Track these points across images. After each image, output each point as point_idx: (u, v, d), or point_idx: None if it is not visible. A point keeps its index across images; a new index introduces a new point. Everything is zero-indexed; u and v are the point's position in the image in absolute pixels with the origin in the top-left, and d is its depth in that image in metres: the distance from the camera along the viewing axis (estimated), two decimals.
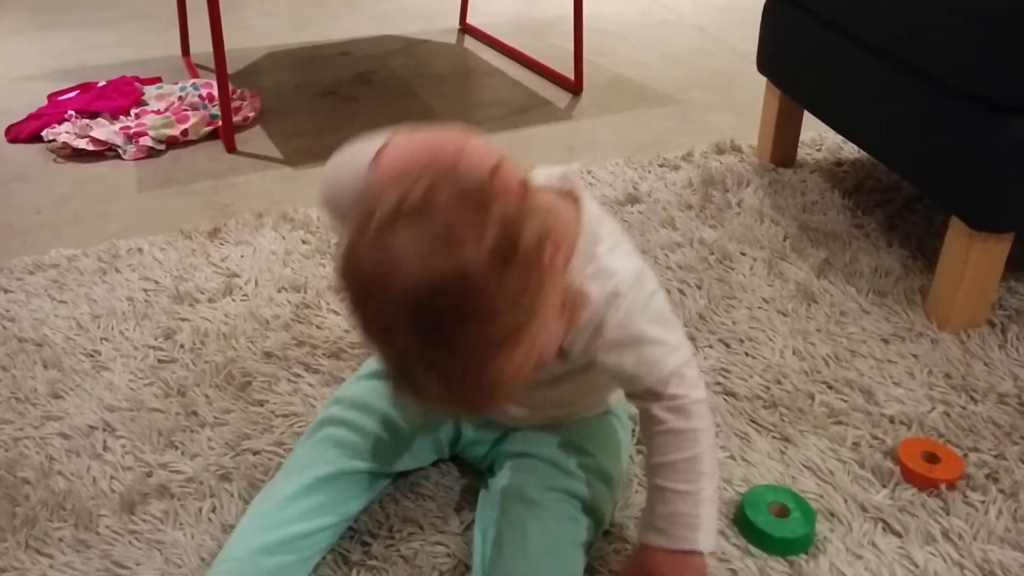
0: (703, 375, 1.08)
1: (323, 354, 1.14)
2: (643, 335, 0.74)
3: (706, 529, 0.75)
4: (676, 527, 0.75)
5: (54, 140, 1.75)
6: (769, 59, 1.60)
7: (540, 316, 0.62)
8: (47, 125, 1.79)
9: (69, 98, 1.91)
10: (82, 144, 1.73)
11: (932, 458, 0.94)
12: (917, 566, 0.84)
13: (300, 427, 1.01)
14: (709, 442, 0.76)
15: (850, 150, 1.71)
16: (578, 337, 0.74)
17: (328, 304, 1.24)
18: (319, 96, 2.06)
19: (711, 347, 1.16)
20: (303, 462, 0.86)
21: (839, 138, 1.71)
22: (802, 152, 1.69)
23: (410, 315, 0.57)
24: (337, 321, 1.21)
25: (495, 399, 0.64)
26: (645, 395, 0.76)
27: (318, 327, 1.20)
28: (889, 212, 1.49)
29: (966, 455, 0.96)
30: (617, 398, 0.93)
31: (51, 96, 1.94)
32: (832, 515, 0.90)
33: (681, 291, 1.27)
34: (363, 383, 0.93)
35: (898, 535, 0.87)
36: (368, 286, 0.59)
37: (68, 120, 1.80)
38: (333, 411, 0.90)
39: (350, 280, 0.61)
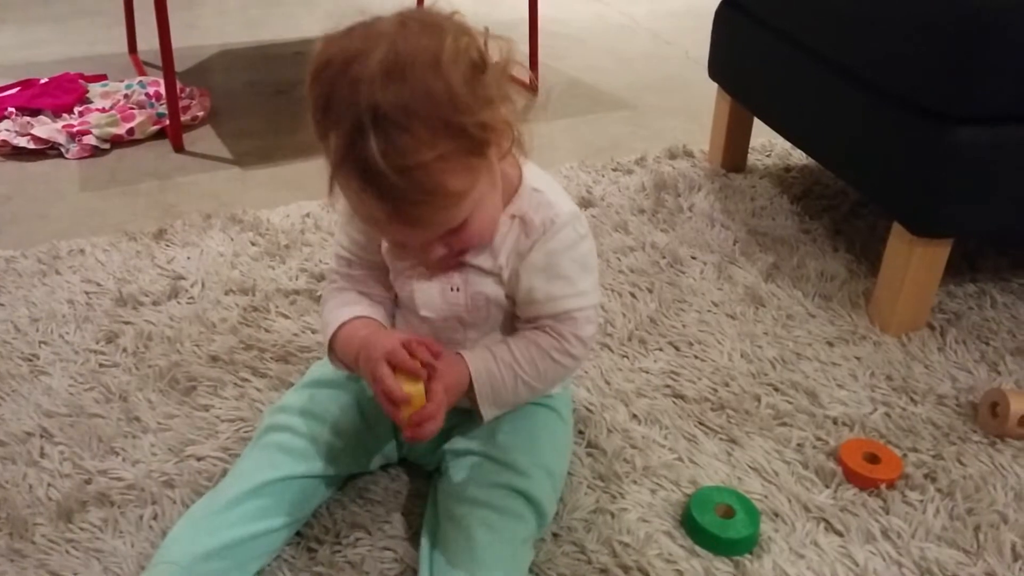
0: (652, 377, 1.10)
1: (271, 358, 1.13)
2: (560, 269, 0.81)
3: (495, 401, 0.83)
4: (497, 383, 0.82)
5: None
6: (720, 65, 1.62)
7: (485, 164, 0.71)
8: None
9: (10, 95, 1.87)
10: (22, 142, 1.69)
11: (873, 458, 0.96)
12: (857, 564, 0.85)
13: (246, 432, 1.00)
14: (559, 371, 0.84)
15: (799, 156, 1.74)
16: (512, 252, 0.80)
17: (277, 307, 1.23)
18: (271, 96, 2.04)
19: (661, 350, 1.17)
20: (248, 468, 0.85)
21: (788, 144, 1.74)
22: (752, 158, 1.72)
23: (382, 71, 0.64)
24: (286, 325, 1.19)
25: (429, 216, 0.69)
26: (536, 323, 0.83)
27: (266, 331, 1.18)
28: (835, 217, 1.51)
29: (905, 455, 0.98)
30: (559, 392, 0.93)
31: None
32: (776, 515, 0.91)
33: (632, 294, 1.28)
34: (307, 391, 0.92)
35: (840, 534, 0.89)
36: (349, 56, 0.66)
37: (8, 117, 1.75)
38: (278, 418, 0.89)
39: (328, 56, 0.68)
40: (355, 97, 0.65)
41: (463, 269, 0.82)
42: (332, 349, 0.86)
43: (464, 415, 0.87)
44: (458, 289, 0.82)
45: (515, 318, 0.86)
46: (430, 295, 0.83)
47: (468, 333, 0.84)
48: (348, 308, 0.86)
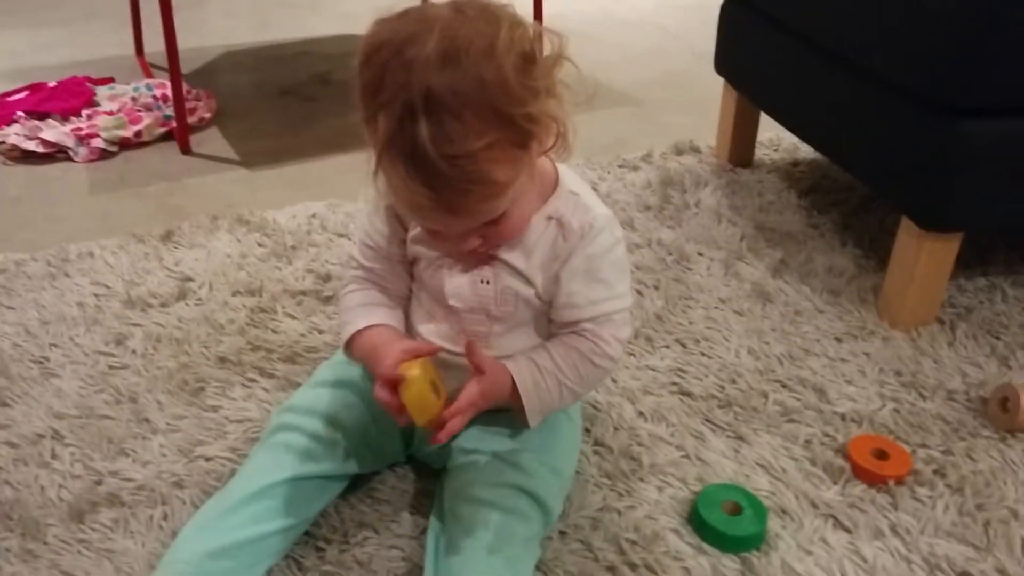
0: (659, 375, 1.10)
1: (278, 358, 1.13)
2: (599, 272, 0.82)
3: (541, 408, 0.83)
4: (542, 391, 0.82)
5: (3, 142, 1.72)
6: (726, 60, 1.61)
7: (527, 157, 0.71)
8: None
9: (19, 99, 1.88)
10: (32, 146, 1.70)
11: (881, 455, 0.95)
12: (866, 561, 0.85)
13: (255, 432, 1.00)
14: (599, 374, 0.85)
15: (807, 150, 1.73)
16: (547, 254, 0.81)
17: (284, 308, 1.23)
18: (277, 96, 2.04)
19: (668, 347, 1.16)
20: (256, 468, 0.85)
21: (796, 138, 1.73)
22: (760, 152, 1.71)
23: (437, 55, 0.65)
24: (293, 325, 1.20)
25: (472, 205, 0.69)
26: (575, 327, 0.83)
27: (273, 331, 1.18)
28: (844, 212, 1.51)
29: (915, 451, 0.98)
30: None
31: (0, 97, 1.90)
32: (784, 512, 0.90)
33: (639, 292, 1.27)
34: (316, 391, 0.93)
35: (848, 531, 0.88)
36: (404, 39, 0.66)
37: (17, 121, 1.76)
38: (286, 418, 0.89)
39: (383, 38, 0.67)
40: (408, 79, 0.65)
41: (494, 263, 0.82)
42: (349, 348, 0.87)
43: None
44: (488, 282, 0.83)
45: (548, 321, 0.86)
46: (460, 285, 0.83)
47: (494, 327, 0.85)
48: (368, 311, 0.87)
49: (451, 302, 0.84)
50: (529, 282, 0.82)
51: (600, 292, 0.82)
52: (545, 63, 0.71)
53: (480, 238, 0.76)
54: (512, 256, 0.81)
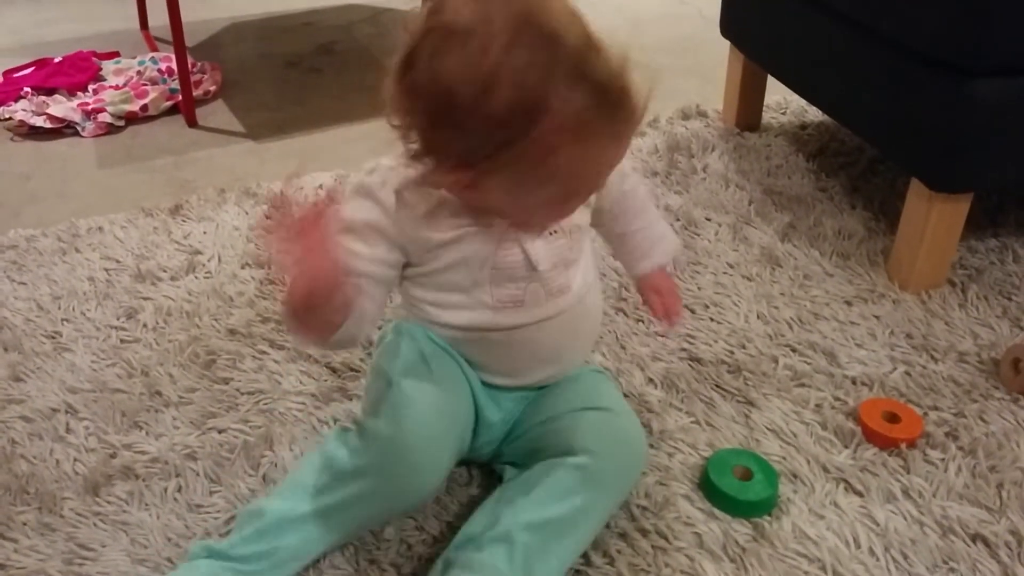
0: (668, 341, 1.11)
1: (288, 330, 1.13)
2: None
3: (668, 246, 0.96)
4: (656, 251, 0.94)
5: (10, 118, 1.71)
6: (732, 23, 1.59)
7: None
8: (2, 103, 1.76)
9: (25, 75, 1.87)
10: (39, 122, 1.70)
11: (893, 418, 0.95)
12: (878, 524, 0.85)
13: (266, 404, 1.01)
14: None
15: (814, 113, 1.71)
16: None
17: None
18: (282, 68, 2.03)
19: None
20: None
21: (803, 101, 1.71)
22: (767, 116, 1.70)
23: (518, 32, 0.67)
24: None
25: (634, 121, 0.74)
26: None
27: (283, 303, 1.19)
28: (852, 174, 1.49)
29: (926, 414, 0.98)
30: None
31: (6, 73, 1.90)
32: (795, 476, 0.91)
33: None
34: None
35: (859, 494, 0.88)
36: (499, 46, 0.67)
37: (24, 97, 1.76)
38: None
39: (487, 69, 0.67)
40: (535, 66, 0.68)
41: None
42: None
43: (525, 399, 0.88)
44: (556, 231, 0.82)
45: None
46: (539, 248, 0.82)
47: (570, 272, 0.84)
48: None
49: (540, 268, 0.82)
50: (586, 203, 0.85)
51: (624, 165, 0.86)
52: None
53: None
54: None
